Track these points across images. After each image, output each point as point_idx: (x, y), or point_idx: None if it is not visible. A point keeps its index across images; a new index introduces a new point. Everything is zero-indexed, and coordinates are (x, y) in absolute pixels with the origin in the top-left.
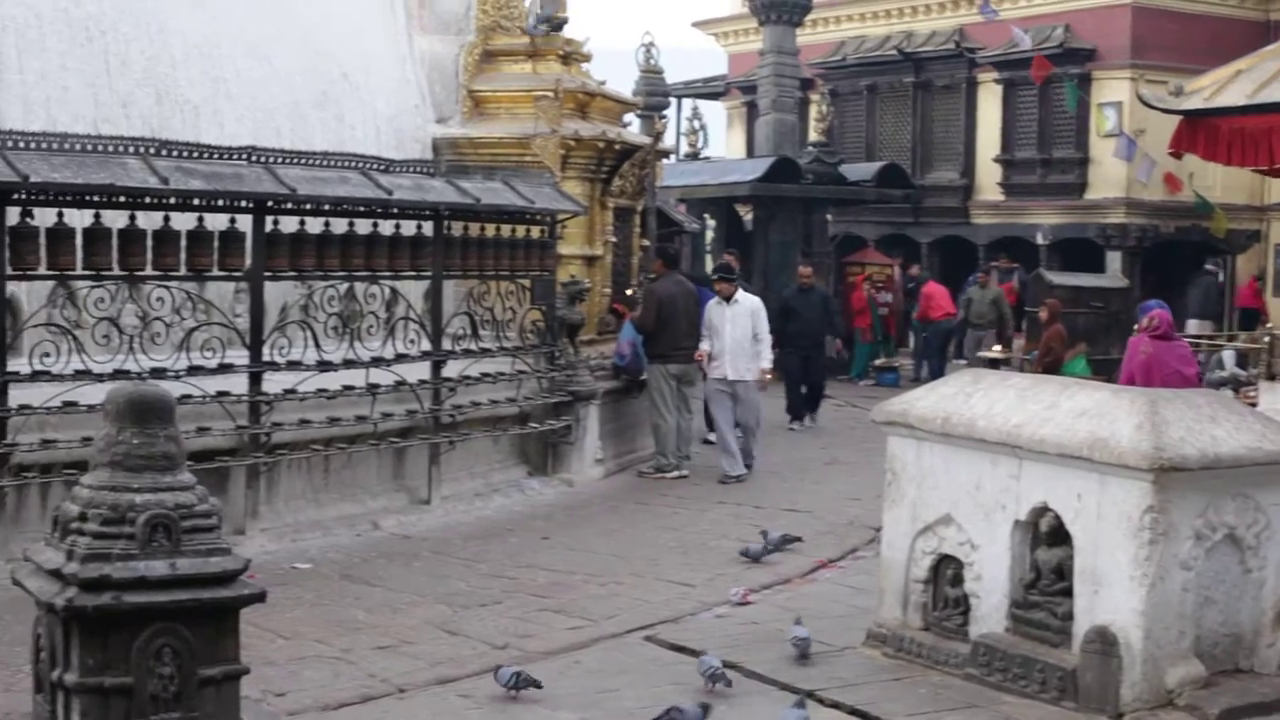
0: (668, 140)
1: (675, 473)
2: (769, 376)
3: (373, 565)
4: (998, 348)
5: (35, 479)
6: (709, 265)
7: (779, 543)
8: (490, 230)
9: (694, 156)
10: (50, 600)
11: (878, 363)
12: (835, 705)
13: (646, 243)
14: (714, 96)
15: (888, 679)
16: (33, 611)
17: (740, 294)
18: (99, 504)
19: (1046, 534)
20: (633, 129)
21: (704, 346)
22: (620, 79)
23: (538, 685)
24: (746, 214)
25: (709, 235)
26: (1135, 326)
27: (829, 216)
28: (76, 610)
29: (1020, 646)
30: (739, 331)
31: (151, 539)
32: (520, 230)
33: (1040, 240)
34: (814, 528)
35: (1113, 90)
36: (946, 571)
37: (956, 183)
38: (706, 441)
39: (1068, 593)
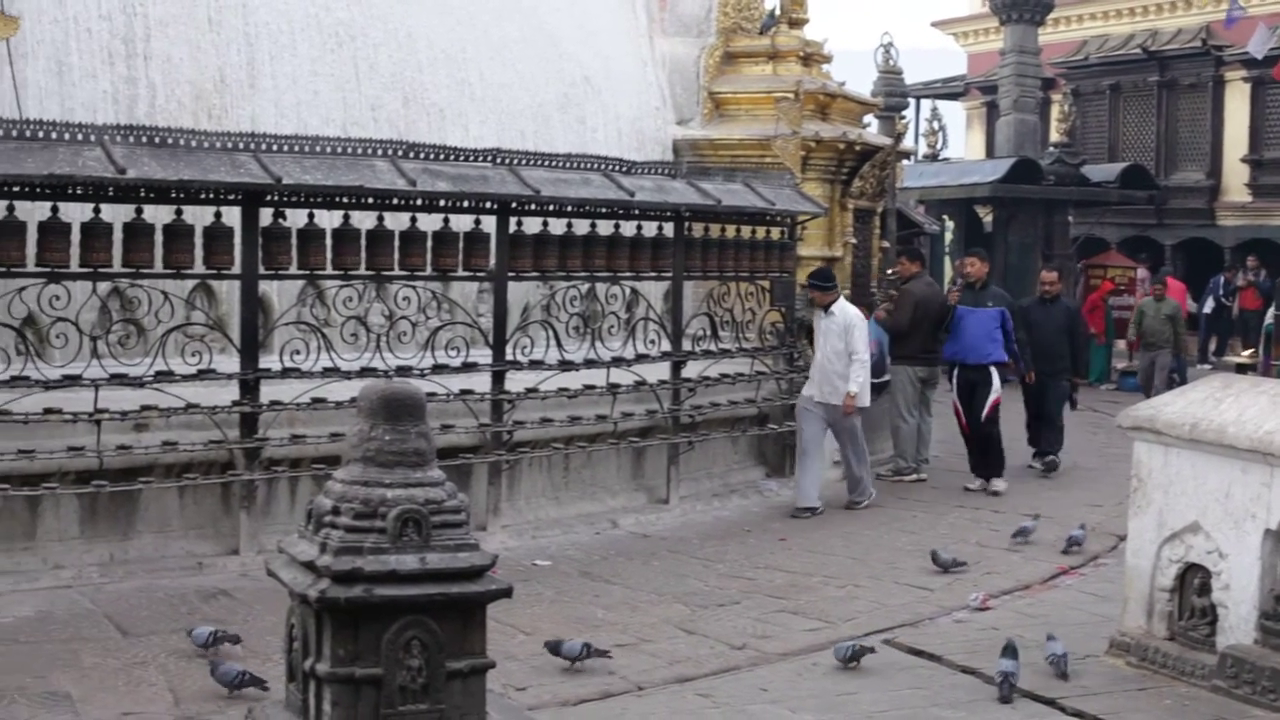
0: (907, 141)
1: (914, 475)
2: (853, 403)
3: (611, 563)
4: (1247, 352)
5: (284, 473)
6: (947, 268)
7: (950, 564)
8: (730, 231)
9: (933, 158)
10: (304, 591)
11: (1121, 366)
12: (1078, 714)
13: (886, 244)
14: (953, 97)
15: (1132, 689)
16: (281, 602)
17: (839, 305)
18: (351, 498)
19: None
20: (872, 130)
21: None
22: (859, 80)
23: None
24: (986, 215)
25: (948, 237)
26: None
27: (1070, 218)
28: (329, 602)
29: (1270, 659)
30: (830, 347)
31: (402, 534)
32: (760, 231)
33: None
34: (1055, 534)
35: None
36: (1193, 580)
37: (1202, 184)
38: (835, 463)
39: None
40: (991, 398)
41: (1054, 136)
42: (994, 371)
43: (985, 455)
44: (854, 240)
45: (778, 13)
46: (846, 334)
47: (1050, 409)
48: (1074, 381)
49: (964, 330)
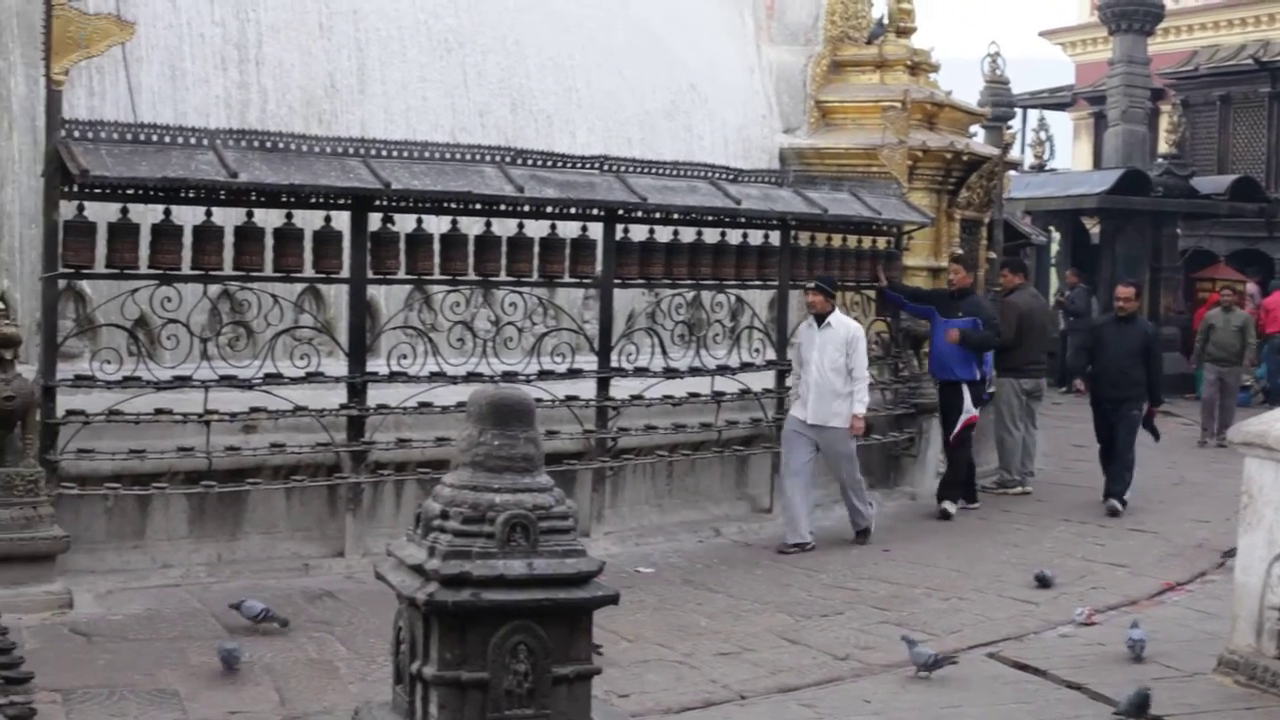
0: (1014, 152)
1: (1018, 488)
2: (861, 426)
3: (714, 571)
4: None
5: (390, 476)
6: (1053, 280)
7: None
8: (836, 240)
9: (1040, 168)
10: (412, 595)
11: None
12: None
13: (993, 255)
14: (1060, 107)
15: (1240, 707)
16: (385, 605)
17: (837, 316)
18: (460, 503)
19: None
20: (978, 140)
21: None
22: (965, 89)
23: (954, 662)
24: (1093, 227)
25: (1054, 249)
26: None
27: (1178, 231)
28: (437, 605)
29: None
30: (828, 363)
31: (510, 538)
32: (866, 241)
33: None
34: (1161, 550)
35: None
36: None
37: None
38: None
39: None
40: (963, 418)
41: (1163, 148)
42: (965, 390)
43: (951, 476)
44: (960, 250)
45: (885, 21)
46: (847, 349)
47: (1120, 441)
48: (1151, 410)
49: (934, 343)
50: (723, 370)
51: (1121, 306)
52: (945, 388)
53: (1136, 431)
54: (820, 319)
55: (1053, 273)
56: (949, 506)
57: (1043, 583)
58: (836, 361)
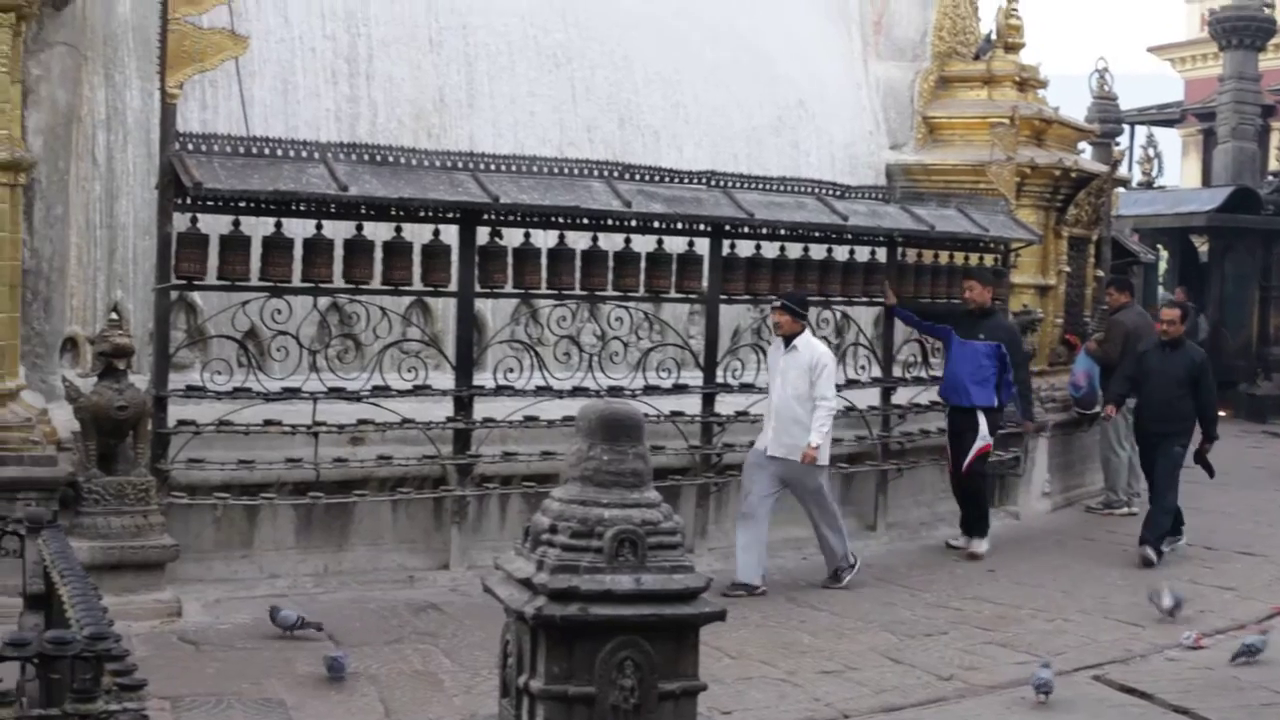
0: (1122, 168)
1: (1125, 509)
2: (814, 455)
3: (818, 589)
4: None
5: (495, 490)
6: (1160, 298)
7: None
8: (943, 258)
9: (1148, 185)
10: (520, 608)
11: None
12: None
13: (1101, 273)
14: (1169, 123)
15: None
16: (490, 617)
17: (805, 339)
18: (569, 517)
19: None
20: (1086, 156)
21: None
22: (1073, 105)
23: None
24: (1201, 245)
25: (1162, 267)
26: None
27: None
28: (545, 619)
29: None
30: (791, 390)
31: (618, 553)
32: (973, 258)
33: None
34: (1270, 573)
35: None
36: None
37: None
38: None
39: None
40: (977, 445)
41: (1274, 165)
42: (981, 416)
43: (965, 510)
44: (1068, 268)
45: (993, 37)
46: (812, 375)
47: (1159, 480)
48: (1204, 447)
49: (950, 365)
50: None
51: (1165, 331)
52: (958, 413)
53: (1179, 469)
54: (787, 341)
55: (1160, 292)
56: (979, 546)
57: (1174, 605)
58: (800, 389)
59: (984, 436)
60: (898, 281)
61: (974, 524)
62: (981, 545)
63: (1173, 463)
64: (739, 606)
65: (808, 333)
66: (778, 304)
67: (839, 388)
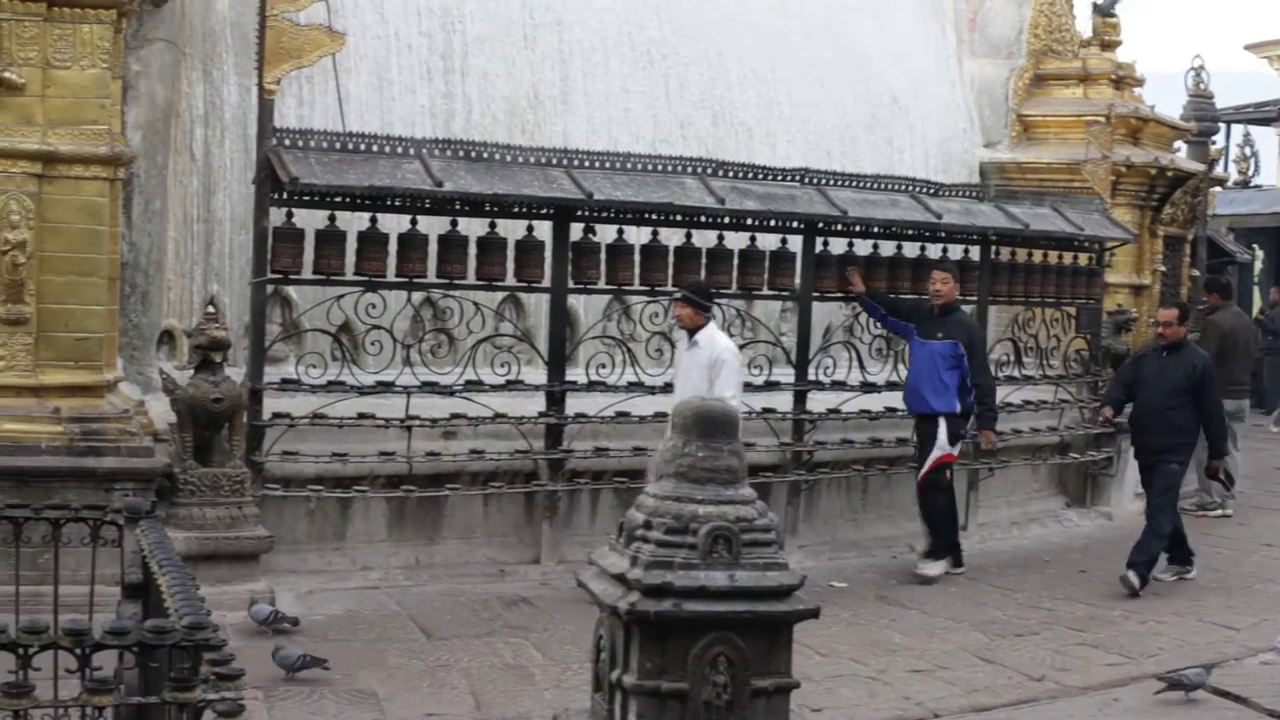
0: (1218, 167)
1: (1218, 511)
2: None
3: (908, 588)
4: None
5: (586, 485)
6: (1256, 299)
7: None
8: (1037, 256)
9: (1244, 184)
10: (613, 604)
11: None
12: None
13: (1196, 273)
14: (1266, 122)
15: None
16: (580, 611)
17: (709, 333)
18: (663, 513)
19: None
20: (1181, 155)
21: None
22: (1168, 103)
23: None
24: None
25: (1257, 266)
26: None
27: None
28: (638, 615)
29: None
30: (691, 389)
31: (712, 550)
32: (1067, 257)
33: None
34: None
35: None
36: None
37: None
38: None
39: None
40: (933, 455)
41: None
42: (941, 423)
43: (936, 534)
44: (1163, 268)
45: (1089, 35)
46: (712, 372)
47: (1152, 499)
48: (1212, 464)
49: (910, 367)
50: None
51: (1161, 334)
52: (920, 421)
53: (1174, 489)
54: (691, 333)
55: (1255, 292)
56: (929, 568)
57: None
58: (700, 387)
59: (941, 446)
60: (991, 280)
61: (931, 543)
62: (933, 568)
63: (1167, 482)
64: (829, 604)
65: (712, 326)
66: (679, 295)
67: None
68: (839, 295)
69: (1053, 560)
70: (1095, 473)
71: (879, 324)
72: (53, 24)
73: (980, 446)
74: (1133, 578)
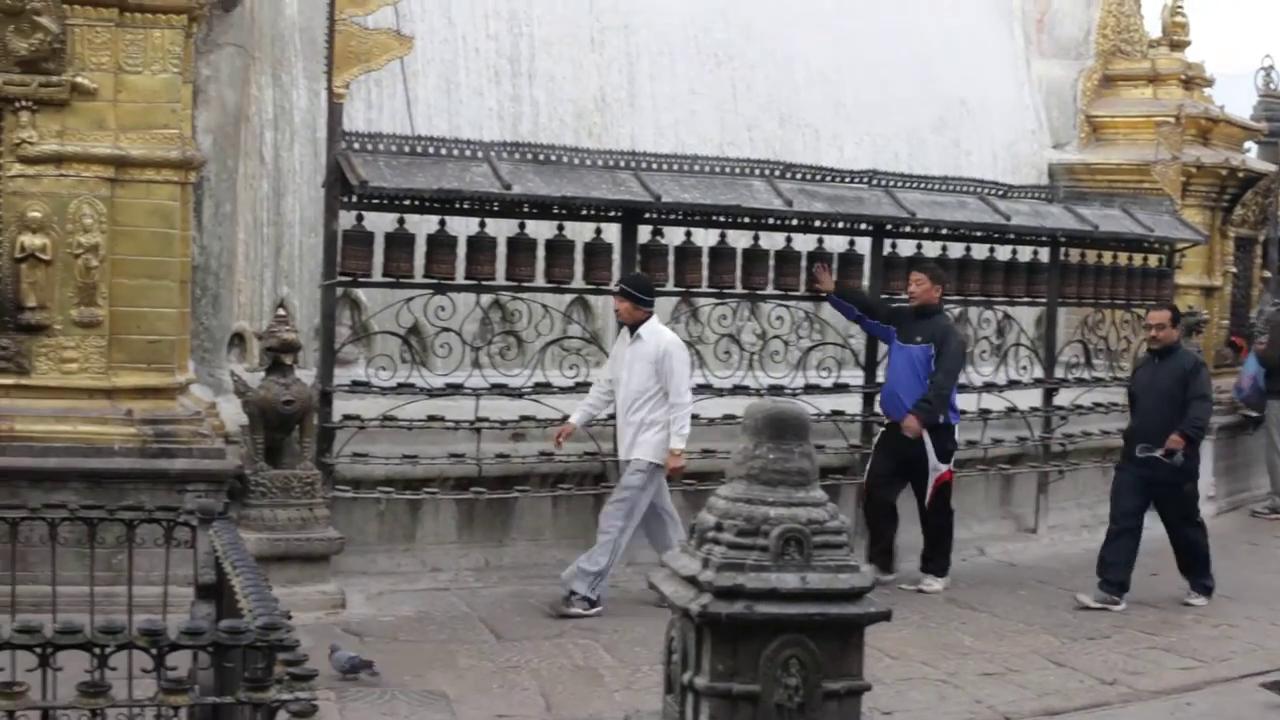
0: None
1: None
2: (681, 464)
3: (979, 590)
4: None
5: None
6: None
7: None
8: (1106, 258)
9: None
10: (685, 605)
11: None
12: None
13: (1268, 274)
14: None
15: None
16: (650, 613)
17: (651, 326)
18: (735, 515)
19: None
20: (1252, 156)
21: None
22: (1238, 104)
23: None
24: None
25: None
26: None
27: None
28: (710, 617)
29: None
30: (635, 384)
31: (784, 552)
32: (1137, 258)
33: None
34: None
35: None
36: None
37: None
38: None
39: None
40: (932, 478)
41: None
42: (926, 439)
43: (931, 547)
44: (1234, 269)
45: (1158, 35)
46: (657, 368)
47: (1177, 524)
48: (1173, 440)
49: (888, 372)
50: (989, 387)
51: (1154, 337)
52: (894, 428)
53: (1195, 506)
54: (632, 330)
55: None
56: (932, 584)
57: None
58: (645, 383)
59: (935, 468)
60: (1060, 282)
61: (934, 560)
62: (936, 584)
63: (1184, 510)
64: (898, 607)
65: (654, 320)
66: (616, 289)
67: (1000, 387)
68: (906, 297)
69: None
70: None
71: (859, 325)
72: (124, 29)
73: (1046, 449)
74: (1195, 599)
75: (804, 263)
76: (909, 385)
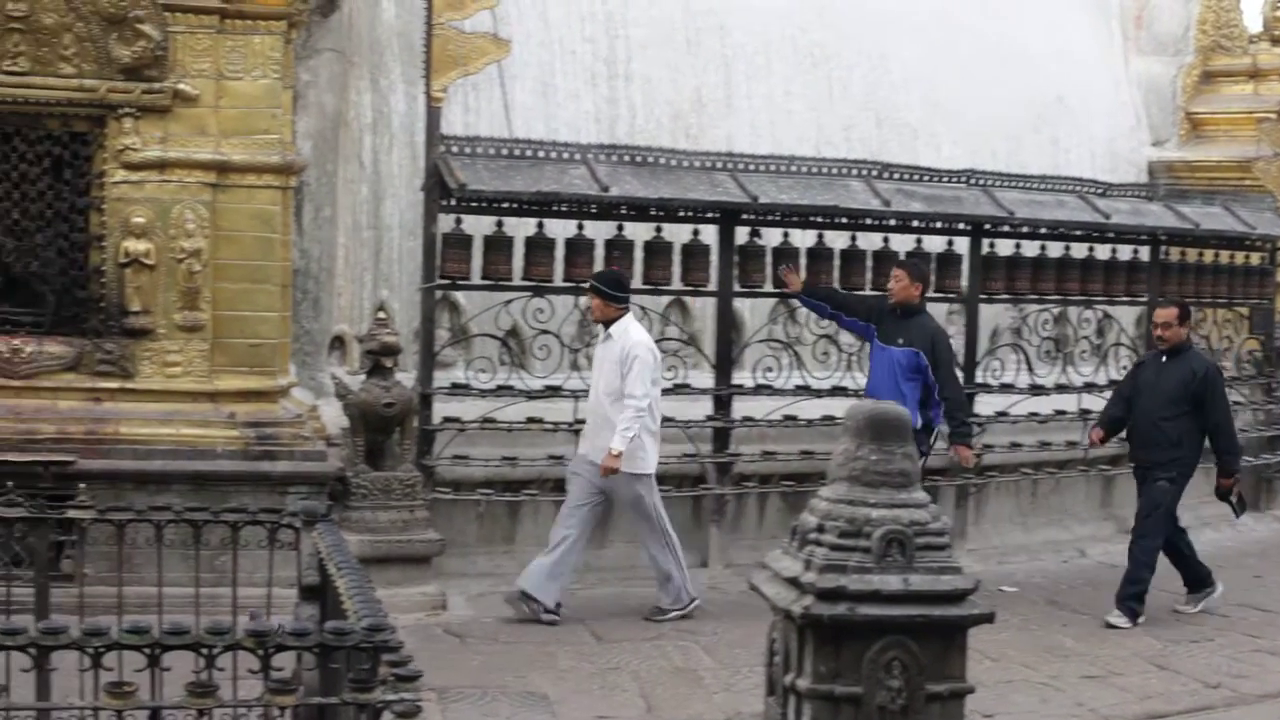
0: None
1: None
2: (618, 464)
3: (1080, 592)
4: None
5: (754, 489)
6: None
7: None
8: (1208, 256)
9: None
10: (787, 607)
11: None
12: None
13: None
14: None
15: None
16: (750, 615)
17: (624, 325)
18: (836, 517)
19: None
20: None
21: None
22: None
23: None
24: None
25: None
26: None
27: None
28: (812, 618)
29: None
30: (604, 384)
31: (886, 554)
32: (1239, 256)
33: None
34: None
35: None
36: None
37: None
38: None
39: None
40: None
41: None
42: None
43: None
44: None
45: (1259, 30)
46: (623, 367)
47: (1138, 522)
48: (1222, 481)
49: (869, 374)
50: (1089, 388)
51: (1161, 336)
52: None
53: (1160, 508)
54: (606, 325)
55: None
56: None
57: None
58: (612, 383)
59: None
60: (1160, 281)
61: None
62: None
63: (1152, 502)
64: (999, 609)
65: (628, 319)
66: (588, 285)
67: (1100, 388)
68: (1006, 297)
69: (1227, 565)
70: (1270, 476)
71: (827, 322)
72: (225, 36)
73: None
74: (1115, 619)
75: None
76: (890, 389)
